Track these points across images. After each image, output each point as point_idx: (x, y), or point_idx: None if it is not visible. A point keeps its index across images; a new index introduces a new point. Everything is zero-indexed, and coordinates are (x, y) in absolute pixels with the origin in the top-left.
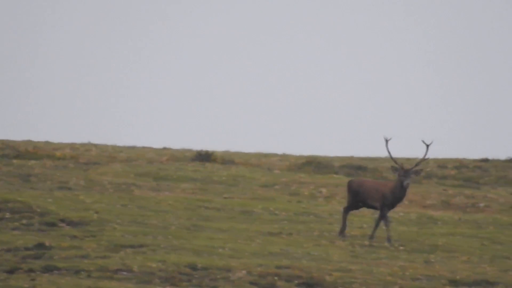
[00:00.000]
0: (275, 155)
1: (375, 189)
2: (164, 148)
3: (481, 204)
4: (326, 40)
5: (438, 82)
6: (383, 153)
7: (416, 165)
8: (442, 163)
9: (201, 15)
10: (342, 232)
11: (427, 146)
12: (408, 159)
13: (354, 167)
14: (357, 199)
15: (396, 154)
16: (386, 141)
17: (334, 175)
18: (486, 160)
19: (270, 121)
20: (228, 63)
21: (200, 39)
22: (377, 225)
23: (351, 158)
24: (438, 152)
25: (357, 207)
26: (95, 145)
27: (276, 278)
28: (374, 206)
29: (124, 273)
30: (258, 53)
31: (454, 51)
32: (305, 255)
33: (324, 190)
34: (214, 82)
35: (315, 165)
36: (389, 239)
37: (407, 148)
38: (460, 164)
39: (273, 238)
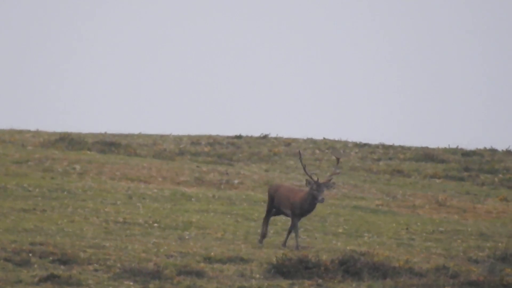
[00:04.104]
0: (28, 131)
1: (286, 197)
2: None
3: (235, 181)
4: None
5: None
6: (136, 130)
7: (329, 178)
8: (195, 140)
9: None
10: (261, 238)
11: (338, 160)
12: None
13: (107, 143)
14: (273, 205)
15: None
16: (300, 154)
17: (88, 152)
18: (239, 137)
19: (22, 96)
20: None
21: None
22: (289, 233)
23: (104, 134)
24: (191, 128)
25: (277, 213)
26: None
27: (30, 254)
28: (286, 213)
29: None
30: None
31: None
32: (59, 232)
33: (77, 166)
34: None
35: (69, 141)
36: (297, 247)
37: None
38: (214, 141)
39: (26, 214)
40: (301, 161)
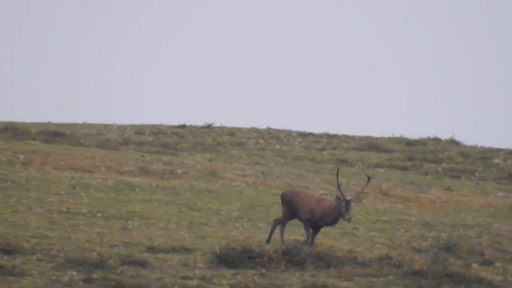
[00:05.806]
0: None
1: (307, 204)
2: None
3: (179, 171)
4: None
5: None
6: (80, 120)
7: (358, 197)
8: (139, 129)
9: None
10: (268, 241)
11: (369, 179)
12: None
13: (51, 133)
14: (291, 210)
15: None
16: (338, 169)
17: (32, 141)
18: (183, 126)
19: None
20: None
21: None
22: (308, 240)
23: (48, 124)
24: (135, 118)
25: (291, 218)
26: None
27: None
28: (303, 220)
29: None
30: None
31: None
32: (2, 222)
33: (21, 156)
34: None
35: (12, 131)
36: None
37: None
38: (158, 130)
39: None
40: (337, 179)
